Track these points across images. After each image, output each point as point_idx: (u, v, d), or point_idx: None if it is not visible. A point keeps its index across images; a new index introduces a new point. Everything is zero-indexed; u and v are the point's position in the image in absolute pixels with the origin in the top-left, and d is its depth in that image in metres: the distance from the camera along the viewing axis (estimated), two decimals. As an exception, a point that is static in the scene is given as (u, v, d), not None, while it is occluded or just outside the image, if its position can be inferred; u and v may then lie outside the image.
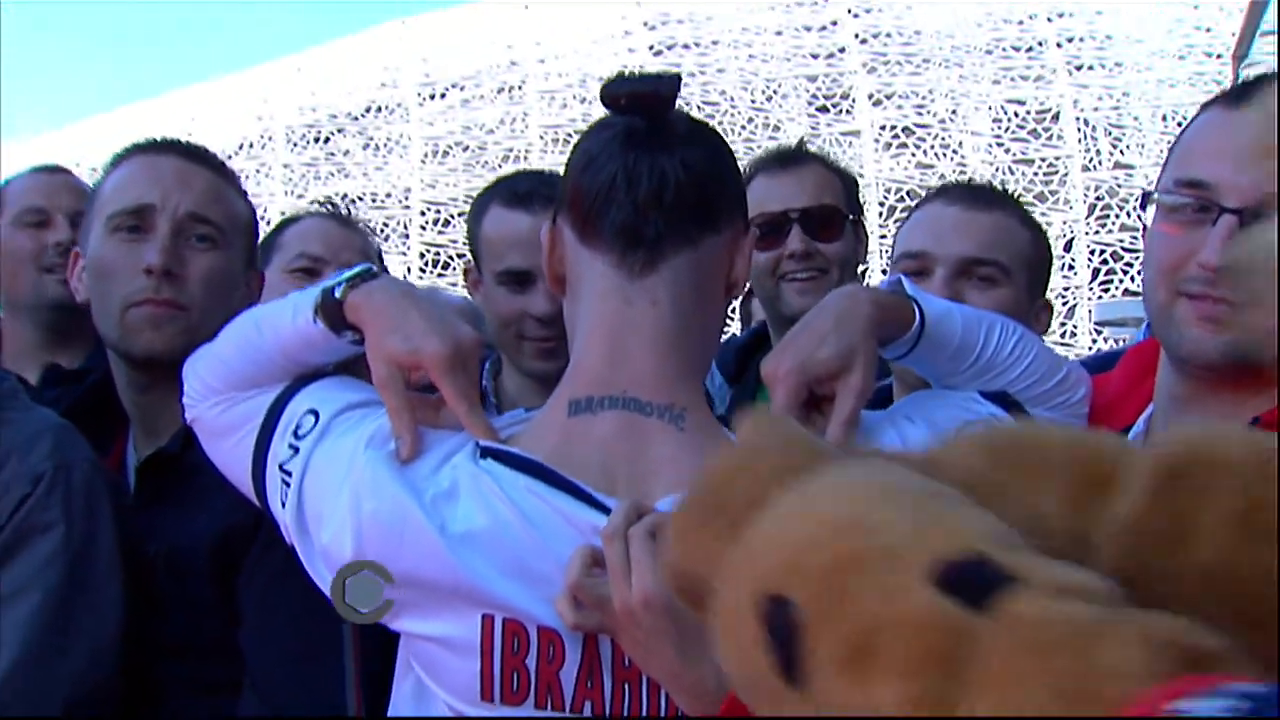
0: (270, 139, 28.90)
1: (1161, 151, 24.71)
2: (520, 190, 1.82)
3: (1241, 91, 1.22)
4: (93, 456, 1.39)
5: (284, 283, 1.79)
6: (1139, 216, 1.23)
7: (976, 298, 1.51)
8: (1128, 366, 1.38)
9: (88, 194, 1.83)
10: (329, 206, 2.09)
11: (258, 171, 28.02)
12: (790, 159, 2.06)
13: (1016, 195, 1.78)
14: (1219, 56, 23.51)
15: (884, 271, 2.67)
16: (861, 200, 2.21)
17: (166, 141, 1.56)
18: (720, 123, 26.27)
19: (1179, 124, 17.07)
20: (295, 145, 28.90)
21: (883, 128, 26.97)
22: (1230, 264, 0.97)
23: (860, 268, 2.19)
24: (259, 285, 1.62)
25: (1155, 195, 1.20)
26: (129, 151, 1.56)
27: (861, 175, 22.90)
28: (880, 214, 23.46)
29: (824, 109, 27.60)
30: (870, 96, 27.24)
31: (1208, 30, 25.49)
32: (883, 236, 19.47)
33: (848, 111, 27.11)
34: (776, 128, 26.89)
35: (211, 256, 1.46)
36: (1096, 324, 21.95)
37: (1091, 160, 26.19)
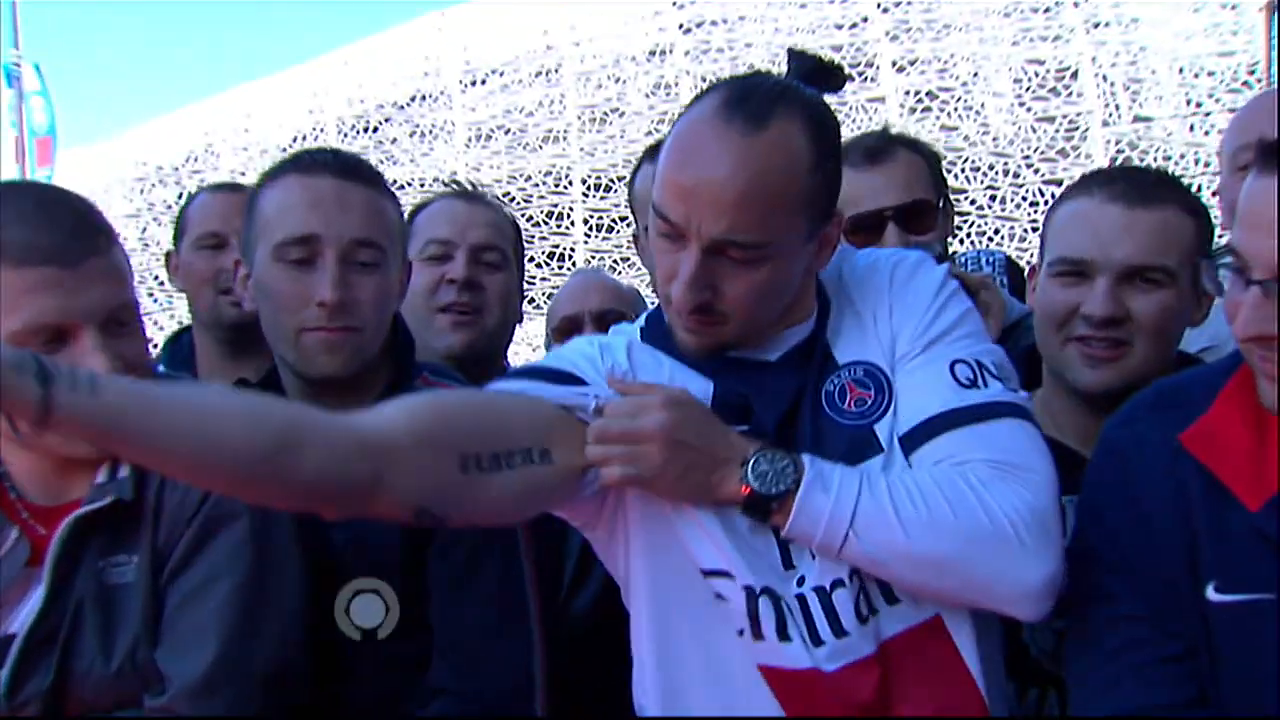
0: (322, 130, 27.62)
1: (1180, 103, 24.96)
2: None
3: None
4: None
5: (420, 270, 1.73)
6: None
7: (1141, 300, 1.41)
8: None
9: None
10: (455, 185, 1.94)
11: (313, 162, 27.52)
12: (878, 154, 1.88)
13: (1180, 179, 1.57)
14: (1234, 7, 23.51)
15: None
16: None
17: (320, 159, 1.44)
18: (750, 96, 26.41)
19: (1195, 75, 17.71)
20: (345, 135, 26.25)
21: (907, 93, 26.71)
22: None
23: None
24: (409, 274, 1.53)
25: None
26: (284, 168, 1.45)
27: (888, 139, 23.67)
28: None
29: (849, 78, 25.79)
30: (894, 63, 27.18)
31: (1222, -19, 24.33)
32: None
33: (872, 79, 26.80)
34: (805, 98, 25.88)
35: (377, 277, 1.40)
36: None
37: (1111, 115, 26.16)
